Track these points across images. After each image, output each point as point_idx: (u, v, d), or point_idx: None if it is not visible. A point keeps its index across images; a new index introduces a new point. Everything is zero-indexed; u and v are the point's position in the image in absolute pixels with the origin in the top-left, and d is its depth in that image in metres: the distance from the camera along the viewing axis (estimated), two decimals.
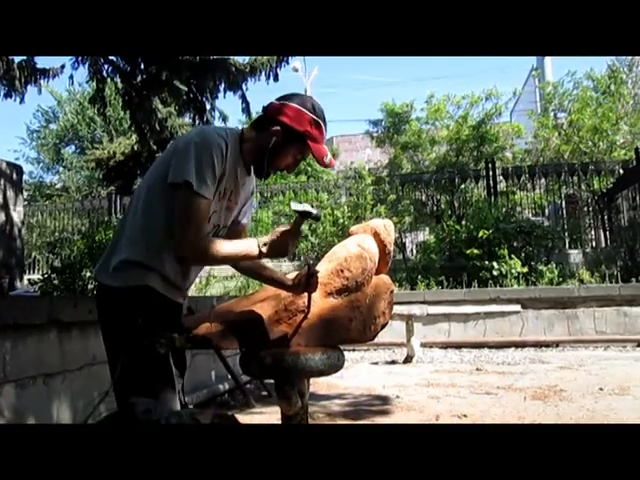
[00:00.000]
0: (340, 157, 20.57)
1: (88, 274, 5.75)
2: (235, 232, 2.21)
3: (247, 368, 2.20)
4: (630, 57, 16.42)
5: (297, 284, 2.12)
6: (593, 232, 12.96)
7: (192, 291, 2.35)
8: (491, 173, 12.43)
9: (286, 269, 9.44)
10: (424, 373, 6.49)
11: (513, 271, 9.42)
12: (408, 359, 7.36)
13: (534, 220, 11.55)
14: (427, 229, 13.19)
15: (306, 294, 2.12)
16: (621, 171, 12.28)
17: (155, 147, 8.36)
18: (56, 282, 5.76)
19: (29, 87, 7.45)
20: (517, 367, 6.73)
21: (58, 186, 24.40)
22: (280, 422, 2.23)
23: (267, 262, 2.30)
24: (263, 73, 7.58)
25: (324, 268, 2.27)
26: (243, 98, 7.81)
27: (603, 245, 12.30)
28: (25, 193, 14.76)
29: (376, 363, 7.60)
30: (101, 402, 1.78)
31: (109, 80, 7.68)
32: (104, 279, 1.99)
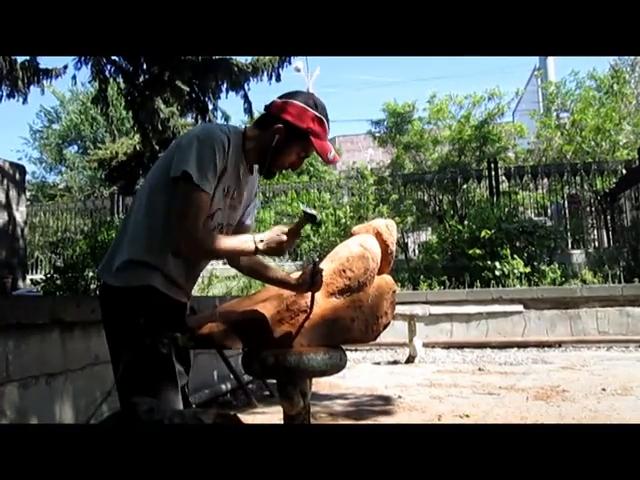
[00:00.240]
0: (342, 157, 20.57)
1: (90, 274, 5.76)
2: (239, 232, 2.21)
3: (249, 368, 2.20)
4: (633, 57, 16.41)
5: (301, 282, 2.12)
6: (596, 232, 12.95)
7: (194, 291, 2.36)
8: (493, 173, 12.41)
9: (288, 269, 9.44)
10: (426, 373, 6.49)
11: (515, 271, 9.41)
12: (410, 359, 7.35)
13: (536, 220, 11.53)
14: (429, 229, 13.19)
15: (309, 293, 2.12)
16: (624, 171, 12.25)
17: (158, 147, 8.36)
18: (59, 282, 5.78)
19: (32, 87, 7.46)
20: (519, 367, 6.73)
21: (61, 186, 24.42)
22: (282, 422, 2.24)
23: (270, 261, 2.31)
24: (265, 73, 7.57)
25: (326, 268, 2.28)
26: (245, 98, 7.81)
27: (606, 245, 12.28)
28: (28, 193, 14.76)
29: (378, 363, 7.60)
30: (103, 402, 1.78)
31: (112, 80, 7.69)
32: (108, 279, 1.99)
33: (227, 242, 1.98)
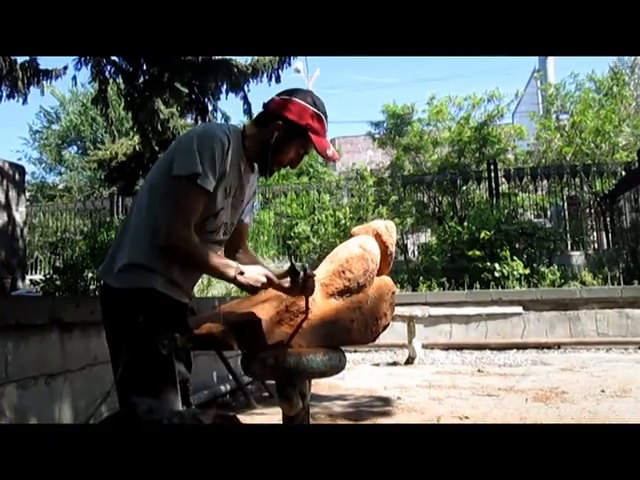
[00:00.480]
0: (342, 158, 20.57)
1: (90, 274, 5.76)
2: (237, 231, 2.21)
3: (249, 369, 2.20)
4: (633, 59, 16.43)
5: (293, 287, 2.11)
6: (595, 234, 12.95)
7: (194, 292, 2.36)
8: (493, 175, 12.42)
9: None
10: (425, 374, 6.48)
11: (515, 273, 9.41)
12: (409, 360, 7.35)
13: (536, 222, 11.54)
14: (429, 230, 13.19)
15: (304, 297, 2.12)
16: (623, 173, 12.26)
17: (157, 148, 8.36)
18: (58, 282, 5.78)
19: (32, 88, 7.46)
20: (519, 369, 6.73)
21: (60, 187, 24.42)
22: (281, 423, 2.24)
23: (269, 263, 2.30)
24: (265, 74, 7.57)
25: (325, 269, 2.28)
26: (245, 99, 7.81)
27: (605, 247, 12.28)
28: (27, 193, 14.76)
29: (377, 364, 7.59)
30: (103, 402, 1.78)
31: (111, 81, 7.69)
32: (109, 280, 1.99)
33: (212, 257, 1.95)
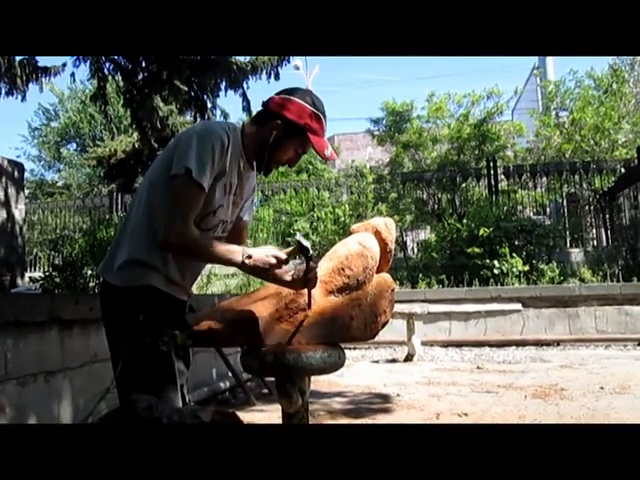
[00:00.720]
0: (341, 155, 20.57)
1: (89, 272, 5.76)
2: (236, 228, 2.21)
3: (248, 366, 2.21)
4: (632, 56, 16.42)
5: (296, 280, 2.11)
6: (594, 231, 12.96)
7: (193, 289, 2.35)
8: (492, 172, 12.41)
9: (287, 267, 9.42)
10: (425, 371, 6.49)
11: (514, 270, 9.41)
12: (409, 357, 7.36)
13: (535, 219, 11.54)
14: (428, 227, 13.19)
15: (306, 290, 2.12)
16: (623, 170, 12.26)
17: (156, 145, 8.36)
18: (57, 280, 5.77)
19: (30, 85, 7.45)
20: (518, 366, 6.74)
21: (59, 184, 24.43)
22: (281, 420, 2.24)
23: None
24: (264, 72, 7.57)
25: (325, 266, 2.28)
26: (244, 97, 7.80)
27: (604, 244, 12.29)
28: (26, 191, 14.76)
29: (377, 361, 7.60)
30: (102, 399, 1.79)
31: (110, 78, 7.68)
32: (108, 277, 2.00)
33: (216, 246, 1.95)
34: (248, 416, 4.37)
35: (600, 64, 16.14)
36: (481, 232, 9.75)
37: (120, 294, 1.95)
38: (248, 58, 7.56)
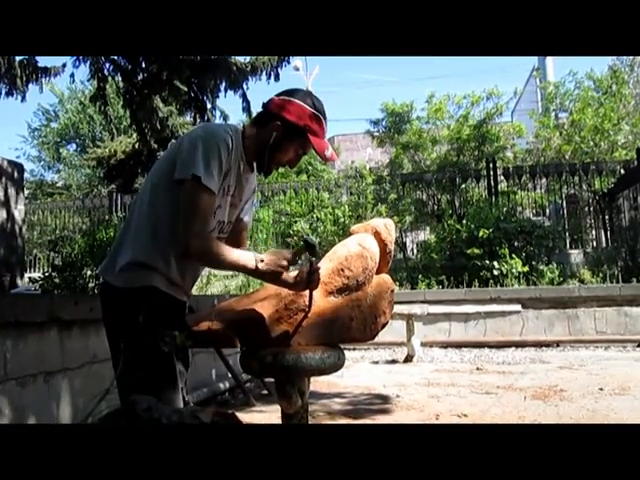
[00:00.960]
0: (341, 156, 20.57)
1: (89, 272, 5.76)
2: (236, 229, 2.21)
3: (248, 367, 2.20)
4: (632, 57, 16.43)
5: (299, 281, 2.12)
6: (594, 232, 12.96)
7: (193, 290, 2.36)
8: (492, 173, 12.41)
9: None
10: (424, 372, 6.49)
11: (514, 271, 9.42)
12: (408, 358, 7.36)
13: (535, 220, 11.55)
14: (428, 228, 13.20)
15: (307, 292, 2.12)
16: (622, 171, 12.27)
17: (156, 146, 8.38)
18: (57, 280, 5.77)
19: (30, 85, 7.46)
20: (517, 367, 6.73)
21: (59, 184, 24.43)
22: (280, 421, 2.24)
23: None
24: (264, 72, 7.58)
25: (325, 267, 2.27)
26: (244, 97, 7.81)
27: (604, 245, 12.30)
28: (26, 191, 14.76)
29: (376, 362, 7.60)
30: (102, 400, 1.78)
31: (110, 79, 7.69)
32: (110, 278, 2.00)
33: (230, 253, 1.96)
34: (248, 417, 4.37)
35: (600, 65, 16.23)
36: (481, 233, 9.75)
37: (121, 295, 1.95)
38: (248, 59, 7.57)
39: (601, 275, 9.64)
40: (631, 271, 9.62)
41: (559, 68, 33.97)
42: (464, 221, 10.91)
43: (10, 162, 8.19)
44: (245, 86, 7.74)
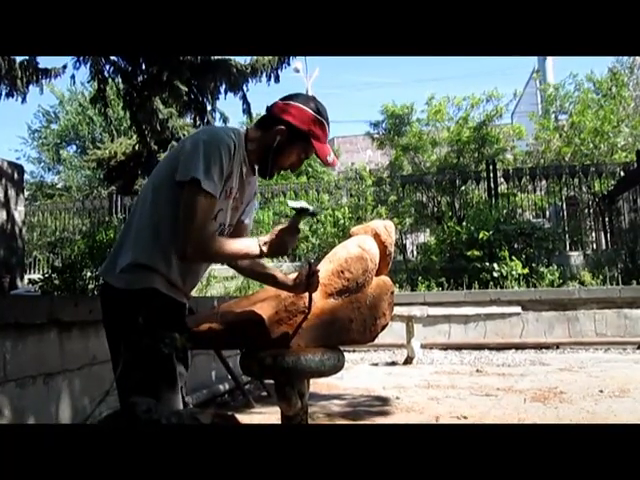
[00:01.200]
0: (341, 158, 20.59)
1: (89, 274, 5.75)
2: (237, 231, 2.21)
3: (247, 368, 2.20)
4: (631, 59, 16.45)
5: (298, 284, 2.12)
6: (594, 234, 12.96)
7: (192, 291, 2.35)
8: (492, 175, 12.42)
9: (286, 269, 9.44)
10: (424, 374, 6.49)
11: (514, 273, 9.42)
12: (408, 360, 7.35)
13: (535, 222, 11.54)
14: (428, 230, 13.19)
15: (307, 294, 2.13)
16: (622, 173, 12.28)
17: (156, 147, 8.38)
18: (57, 282, 5.76)
19: (31, 87, 7.46)
20: (517, 369, 6.73)
21: (59, 186, 24.43)
22: (280, 422, 2.24)
23: (268, 262, 2.31)
24: (264, 74, 7.58)
25: (324, 269, 2.28)
26: (244, 99, 7.82)
27: (604, 247, 12.29)
28: (26, 192, 14.74)
29: (376, 364, 7.60)
30: (102, 402, 1.79)
31: (110, 80, 7.69)
32: (110, 279, 1.99)
33: (232, 246, 1.98)
34: (247, 418, 4.36)
35: (600, 67, 16.22)
36: (481, 235, 9.75)
37: (121, 296, 1.95)
38: (248, 60, 7.57)
39: (601, 277, 9.64)
40: (631, 273, 9.61)
41: (559, 70, 34.05)
42: (464, 223, 10.92)
43: (10, 163, 8.20)
44: (245, 88, 7.75)
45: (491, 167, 12.51)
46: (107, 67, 7.41)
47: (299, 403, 2.15)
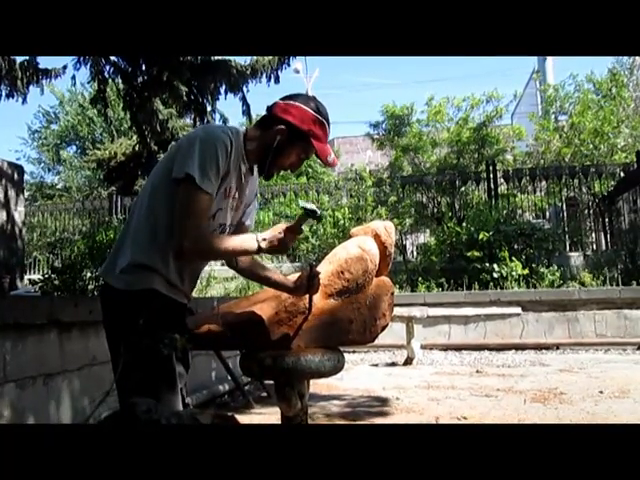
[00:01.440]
0: (341, 159, 20.59)
1: (88, 274, 5.75)
2: (238, 232, 2.21)
3: (247, 369, 2.20)
4: (631, 60, 16.46)
5: (299, 285, 2.12)
6: (594, 235, 12.96)
7: (192, 292, 2.36)
8: (492, 175, 12.42)
9: (286, 270, 9.44)
10: (424, 375, 6.48)
11: (514, 273, 9.42)
12: (408, 361, 7.35)
13: (535, 222, 11.54)
14: (428, 231, 13.19)
15: (307, 295, 2.12)
16: (622, 174, 12.28)
17: (156, 148, 8.38)
18: (56, 282, 5.76)
19: (31, 87, 7.46)
20: (517, 369, 6.73)
21: (59, 186, 24.44)
22: (280, 423, 2.24)
23: (268, 263, 2.30)
24: (264, 75, 7.58)
25: (325, 270, 2.28)
26: (244, 100, 7.82)
27: (604, 248, 12.28)
28: (26, 193, 14.75)
29: (376, 365, 7.59)
30: (102, 402, 1.78)
31: (110, 81, 7.69)
32: (110, 280, 1.99)
33: (229, 242, 1.98)
34: (247, 419, 4.36)
35: (600, 68, 16.21)
36: (481, 236, 9.75)
37: (122, 297, 1.95)
38: (248, 61, 7.57)
39: (601, 278, 9.64)
40: (631, 274, 9.61)
41: (559, 71, 34.02)
42: (464, 224, 10.92)
43: (10, 164, 8.20)
44: (245, 89, 7.75)
45: (491, 168, 12.51)
46: (107, 68, 7.41)
47: (299, 404, 2.15)
